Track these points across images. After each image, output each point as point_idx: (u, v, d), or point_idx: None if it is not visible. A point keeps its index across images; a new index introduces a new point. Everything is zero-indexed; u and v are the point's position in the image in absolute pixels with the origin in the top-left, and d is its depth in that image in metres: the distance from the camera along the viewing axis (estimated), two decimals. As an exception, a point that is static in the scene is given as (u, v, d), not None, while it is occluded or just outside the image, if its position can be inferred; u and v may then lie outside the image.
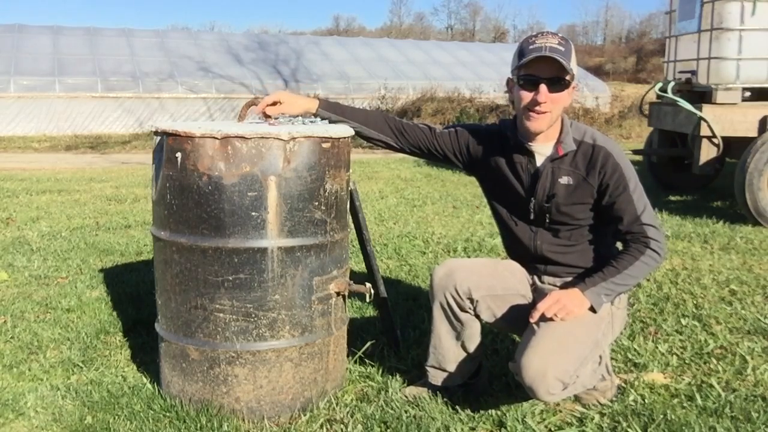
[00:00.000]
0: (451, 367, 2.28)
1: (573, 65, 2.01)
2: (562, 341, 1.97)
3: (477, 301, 2.19)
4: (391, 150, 2.37)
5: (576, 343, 2.00)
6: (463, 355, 2.27)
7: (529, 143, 2.14)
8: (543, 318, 2.02)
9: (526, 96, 2.04)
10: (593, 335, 2.06)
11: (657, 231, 2.08)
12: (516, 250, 2.31)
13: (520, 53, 2.04)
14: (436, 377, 2.31)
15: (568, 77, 2.02)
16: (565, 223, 2.16)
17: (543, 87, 2.00)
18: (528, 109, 2.05)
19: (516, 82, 2.07)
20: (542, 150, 2.14)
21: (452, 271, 2.21)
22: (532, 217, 2.19)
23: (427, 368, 2.32)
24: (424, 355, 2.34)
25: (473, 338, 2.26)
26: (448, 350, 2.26)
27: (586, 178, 2.10)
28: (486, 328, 2.77)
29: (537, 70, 2.01)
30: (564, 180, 2.12)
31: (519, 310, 2.22)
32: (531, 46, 2.01)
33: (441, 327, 2.25)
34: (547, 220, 2.17)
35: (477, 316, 2.23)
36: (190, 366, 2.18)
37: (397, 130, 2.32)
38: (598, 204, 2.12)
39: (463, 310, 2.20)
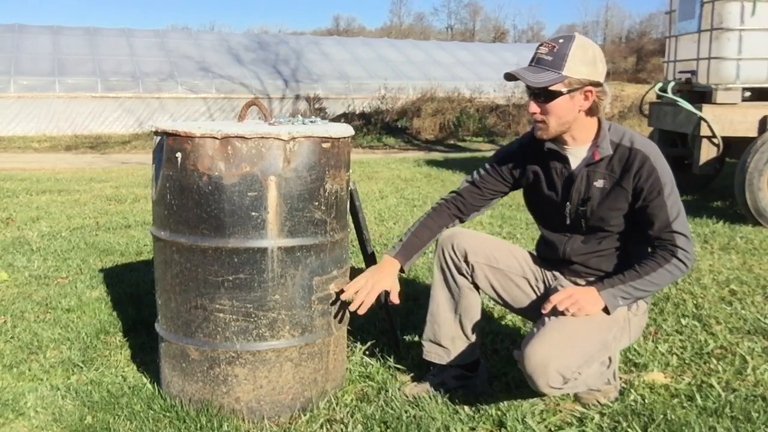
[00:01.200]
0: (447, 344, 2.30)
1: (569, 70, 1.98)
2: (570, 336, 1.97)
3: (473, 266, 2.23)
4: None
5: (583, 340, 1.99)
6: (460, 334, 2.29)
7: (564, 146, 2.14)
8: (554, 311, 2.02)
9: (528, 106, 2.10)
10: (602, 336, 2.05)
11: (687, 240, 2.05)
12: (545, 251, 2.32)
13: None
14: (431, 352, 2.32)
15: (556, 87, 2.00)
16: (601, 228, 2.15)
17: (531, 99, 2.05)
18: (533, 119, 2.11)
19: None
20: (578, 153, 2.14)
21: (455, 233, 2.30)
22: (568, 222, 2.19)
23: (423, 342, 2.35)
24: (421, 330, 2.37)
25: (470, 314, 2.27)
26: (444, 322, 2.28)
27: (621, 182, 2.08)
28: (486, 328, 2.78)
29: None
30: (599, 183, 2.11)
31: (521, 292, 2.27)
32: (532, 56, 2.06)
33: (439, 292, 2.29)
34: (583, 226, 2.17)
35: (475, 285, 2.26)
36: (190, 366, 2.18)
37: (458, 213, 2.35)
38: (632, 208, 2.10)
39: (460, 272, 2.25)
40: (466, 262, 2.24)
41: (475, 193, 2.33)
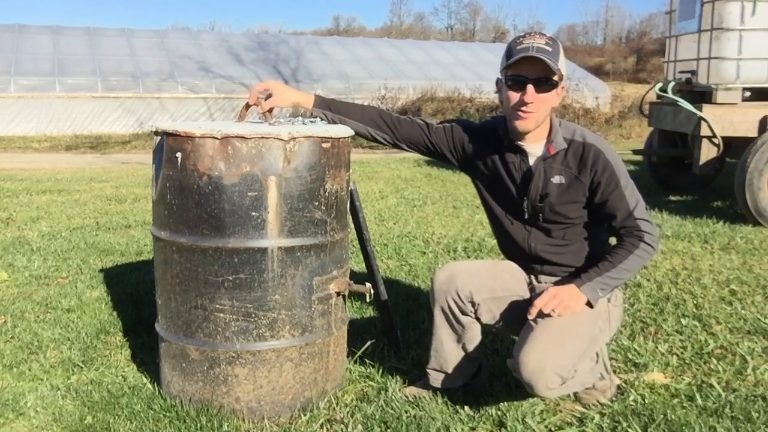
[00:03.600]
0: (452, 369, 2.29)
1: (561, 65, 2.01)
2: (560, 336, 1.98)
3: (478, 304, 2.21)
4: (388, 146, 2.37)
5: (573, 338, 2.01)
6: (465, 356, 2.28)
7: (520, 142, 2.14)
8: (540, 314, 2.03)
9: (514, 96, 2.05)
10: (590, 330, 2.07)
11: (650, 224, 2.10)
12: (511, 250, 2.31)
13: (508, 53, 2.04)
14: (437, 380, 2.32)
15: (555, 77, 2.02)
16: (559, 222, 2.17)
17: (530, 87, 2.01)
18: (515, 110, 2.06)
19: (504, 83, 2.08)
20: (533, 150, 2.14)
21: (453, 275, 2.22)
22: (526, 216, 2.19)
23: (429, 371, 2.32)
24: (425, 357, 2.35)
25: (474, 340, 2.27)
26: (449, 353, 2.27)
27: (579, 177, 2.10)
28: (486, 329, 2.78)
29: (524, 71, 2.01)
30: (556, 179, 2.12)
31: (518, 311, 2.22)
32: (518, 47, 2.01)
33: (442, 331, 2.26)
34: (540, 220, 2.18)
35: (477, 319, 2.24)
36: (190, 366, 2.18)
37: (392, 126, 2.30)
38: (591, 202, 2.13)
39: (464, 313, 2.22)
40: (471, 302, 2.20)
41: (422, 133, 2.28)
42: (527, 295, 2.26)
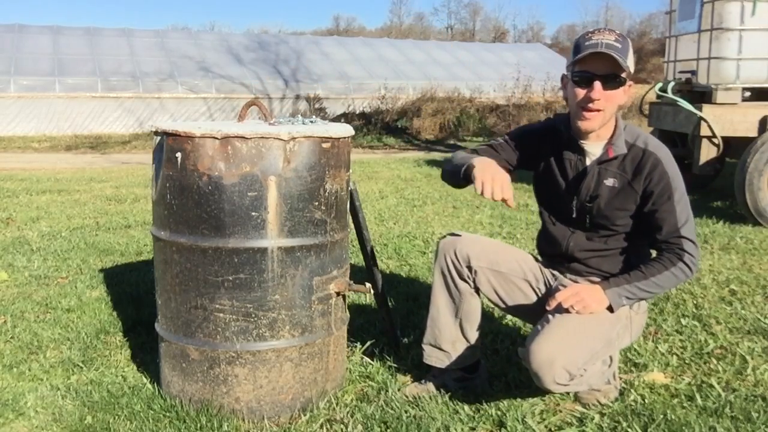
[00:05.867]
0: (447, 348, 2.29)
1: (630, 63, 1.99)
2: (575, 333, 1.97)
3: (476, 271, 2.21)
4: None
5: (588, 337, 2.00)
6: (461, 338, 2.28)
7: (581, 141, 2.13)
8: (559, 308, 2.02)
9: (580, 93, 2.02)
10: (607, 333, 2.06)
11: (694, 246, 2.05)
12: (546, 246, 2.31)
13: (576, 49, 2.02)
14: (431, 356, 2.31)
15: (623, 75, 1.99)
16: (604, 227, 2.15)
17: (597, 84, 1.98)
18: (581, 107, 2.03)
19: (570, 79, 2.05)
20: (593, 149, 2.13)
21: (456, 239, 2.25)
22: (573, 215, 2.18)
23: (423, 347, 2.33)
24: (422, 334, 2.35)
25: (471, 318, 2.26)
26: (444, 326, 2.27)
27: (632, 183, 2.08)
28: (486, 328, 2.78)
29: (592, 67, 1.98)
30: (609, 182, 2.10)
31: (522, 294, 2.25)
32: (587, 42, 1.99)
33: (440, 297, 2.26)
34: (588, 223, 2.17)
35: (477, 290, 2.24)
36: (190, 366, 2.18)
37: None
38: (640, 211, 2.10)
39: (462, 278, 2.22)
40: (469, 267, 2.21)
41: (492, 155, 2.25)
42: (538, 284, 2.27)
